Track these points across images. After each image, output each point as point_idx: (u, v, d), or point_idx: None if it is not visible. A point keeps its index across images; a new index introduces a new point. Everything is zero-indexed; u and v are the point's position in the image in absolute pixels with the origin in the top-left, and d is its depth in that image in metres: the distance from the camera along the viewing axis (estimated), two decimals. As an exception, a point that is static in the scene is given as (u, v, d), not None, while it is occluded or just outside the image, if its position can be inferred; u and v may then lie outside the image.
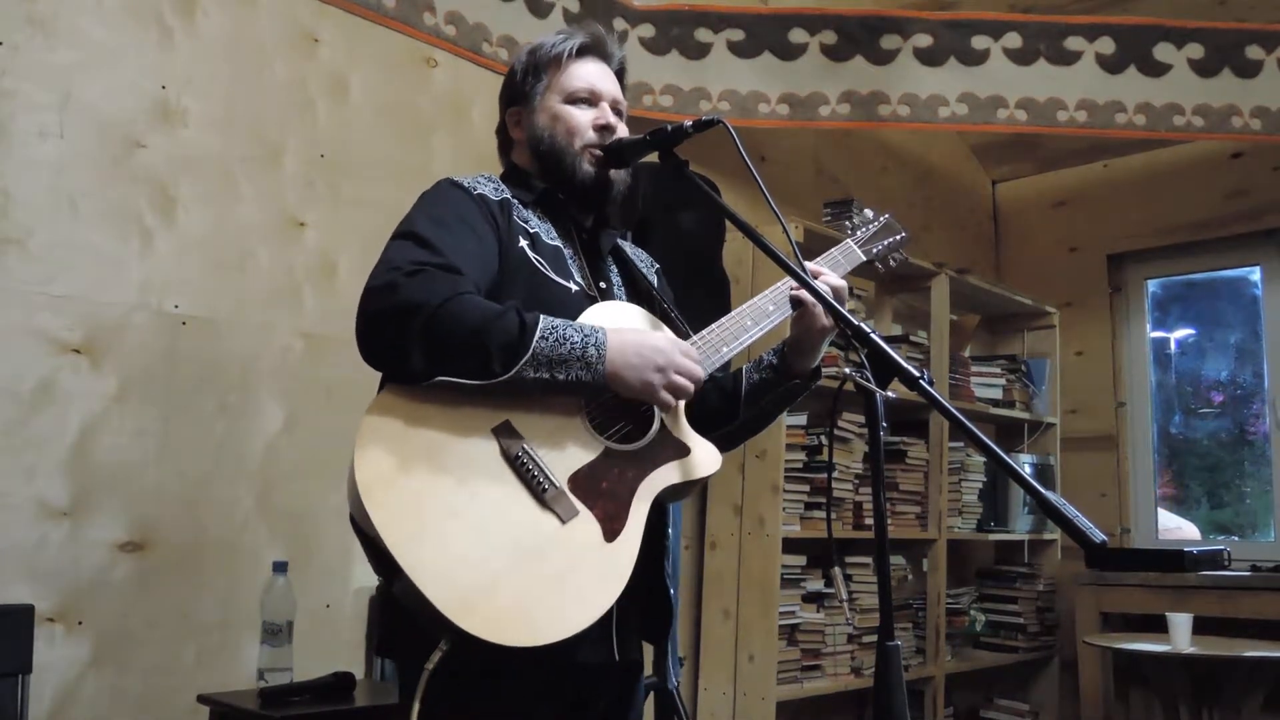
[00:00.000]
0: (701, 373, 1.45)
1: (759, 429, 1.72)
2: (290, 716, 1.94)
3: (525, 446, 1.35)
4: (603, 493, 1.37)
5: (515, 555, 1.29)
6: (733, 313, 1.58)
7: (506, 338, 1.31)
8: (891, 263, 1.85)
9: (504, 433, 1.35)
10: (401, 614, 1.31)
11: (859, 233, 1.83)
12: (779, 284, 1.62)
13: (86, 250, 2.16)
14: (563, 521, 1.33)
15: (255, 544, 2.34)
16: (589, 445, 1.40)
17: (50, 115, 2.13)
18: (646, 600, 1.50)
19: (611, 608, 1.32)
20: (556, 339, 1.34)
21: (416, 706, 1.26)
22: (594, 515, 1.35)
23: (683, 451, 1.46)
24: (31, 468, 2.05)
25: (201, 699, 2.08)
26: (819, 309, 1.55)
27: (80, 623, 2.09)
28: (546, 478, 1.34)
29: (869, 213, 1.87)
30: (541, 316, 1.35)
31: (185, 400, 2.27)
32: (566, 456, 1.37)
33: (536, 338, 1.32)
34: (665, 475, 1.43)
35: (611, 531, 1.35)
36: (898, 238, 1.85)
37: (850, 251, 1.78)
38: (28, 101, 2.10)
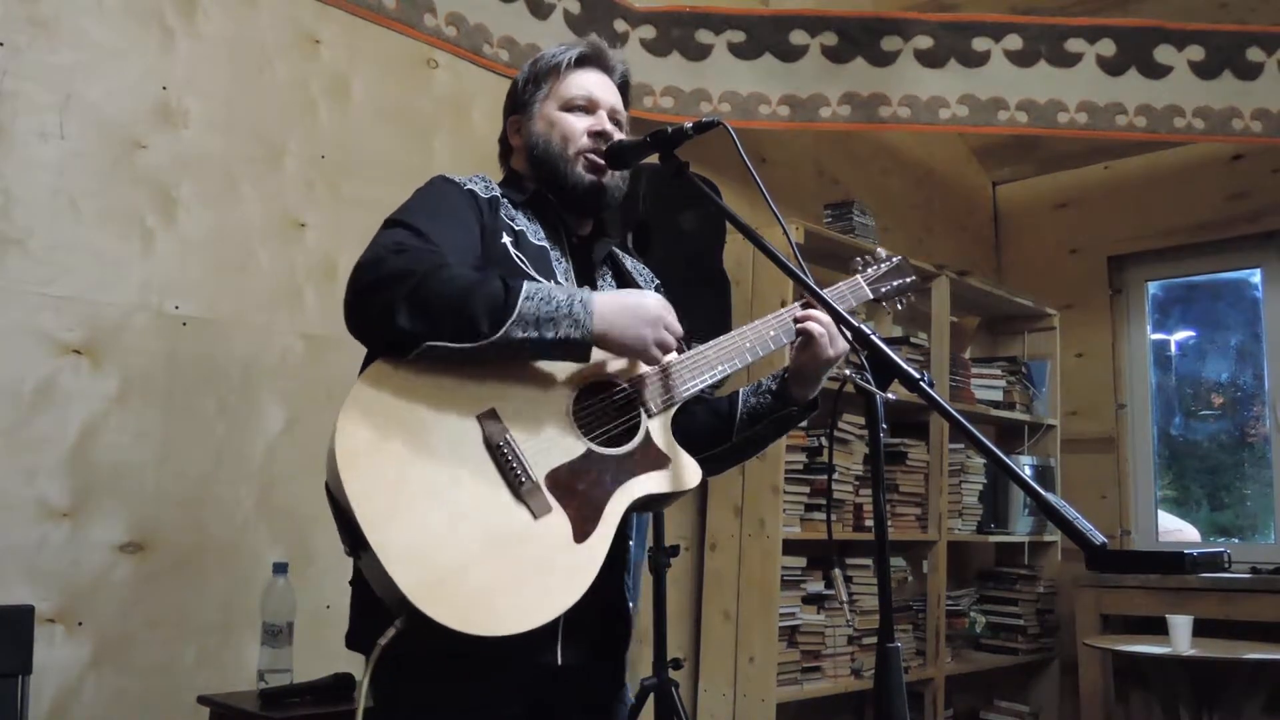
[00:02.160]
0: (680, 330, 1.46)
1: (748, 455, 1.72)
2: (290, 718, 1.94)
3: (508, 437, 1.35)
4: (578, 493, 1.36)
5: (484, 544, 1.28)
6: (732, 333, 1.59)
7: (492, 300, 1.31)
8: (899, 305, 1.85)
9: (489, 420, 1.35)
10: (369, 609, 1.31)
11: (869, 270, 1.82)
12: (783, 310, 1.63)
13: (87, 251, 2.16)
14: (535, 516, 1.32)
15: (255, 545, 2.34)
16: (572, 444, 1.39)
17: (51, 116, 2.13)
18: (604, 613, 1.48)
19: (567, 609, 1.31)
20: (542, 298, 1.34)
21: (366, 680, 1.25)
22: (566, 514, 1.34)
23: (664, 463, 1.45)
24: (32, 468, 2.05)
25: (201, 700, 2.08)
26: (824, 340, 1.56)
27: (80, 623, 2.09)
28: (525, 470, 1.34)
29: (882, 252, 1.87)
30: (525, 280, 1.36)
31: (186, 401, 2.27)
32: (548, 452, 1.37)
33: (522, 298, 1.33)
34: (643, 484, 1.42)
35: (582, 532, 1.34)
36: (908, 280, 1.85)
37: (859, 288, 1.78)
38: (29, 102, 2.10)
